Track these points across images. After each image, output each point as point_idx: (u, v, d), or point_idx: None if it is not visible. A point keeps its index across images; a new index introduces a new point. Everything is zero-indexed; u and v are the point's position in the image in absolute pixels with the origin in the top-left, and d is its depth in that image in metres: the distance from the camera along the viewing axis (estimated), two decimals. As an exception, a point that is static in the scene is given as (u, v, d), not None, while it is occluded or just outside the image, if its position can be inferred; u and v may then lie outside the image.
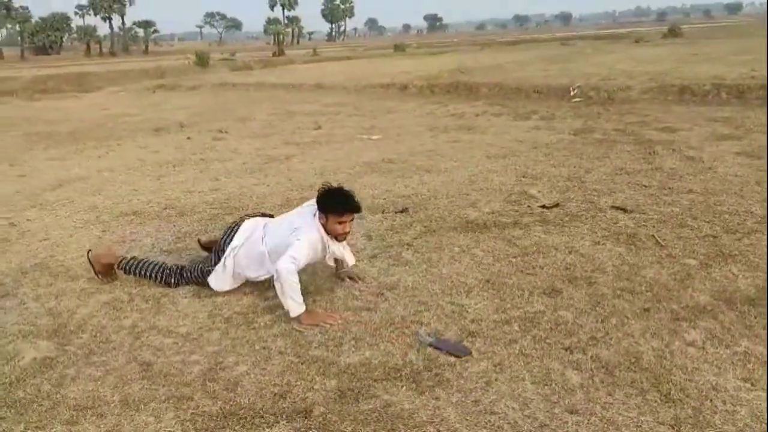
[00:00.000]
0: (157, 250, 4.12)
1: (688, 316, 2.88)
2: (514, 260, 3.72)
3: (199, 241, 3.99)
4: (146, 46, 74.58)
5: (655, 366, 2.50)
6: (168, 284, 3.41)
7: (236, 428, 2.22)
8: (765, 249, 3.61)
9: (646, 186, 5.08)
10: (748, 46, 18.09)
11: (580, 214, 4.50)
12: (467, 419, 2.24)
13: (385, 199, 5.23)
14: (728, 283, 3.21)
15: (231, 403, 2.38)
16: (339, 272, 3.50)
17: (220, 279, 3.33)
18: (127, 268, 3.49)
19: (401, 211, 4.83)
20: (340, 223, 3.12)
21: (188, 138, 8.95)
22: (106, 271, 3.55)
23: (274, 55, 43.58)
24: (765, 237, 3.79)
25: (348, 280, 3.46)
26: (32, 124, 11.34)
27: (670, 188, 4.95)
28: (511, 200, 4.98)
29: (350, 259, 3.43)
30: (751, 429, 2.11)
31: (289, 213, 3.45)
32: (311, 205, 3.24)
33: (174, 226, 4.66)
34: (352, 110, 11.68)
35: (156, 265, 3.47)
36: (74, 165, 7.20)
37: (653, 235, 3.92)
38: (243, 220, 3.42)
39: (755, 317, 2.83)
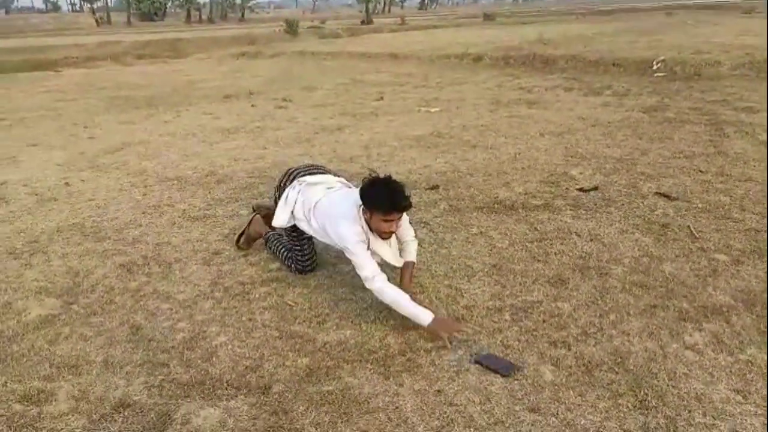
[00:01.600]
0: (186, 217, 4.27)
1: (696, 317, 2.64)
2: (529, 245, 3.55)
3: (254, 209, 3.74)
4: (242, 14, 76.64)
5: (641, 369, 2.32)
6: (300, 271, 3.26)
7: (196, 398, 2.28)
8: (814, 248, 3.24)
9: (702, 171, 4.67)
10: None
11: (618, 199, 4.21)
12: (423, 409, 2.18)
13: (420, 174, 5.13)
14: (756, 283, 2.91)
15: (202, 372, 2.44)
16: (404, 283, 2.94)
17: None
18: (268, 243, 3.48)
19: (432, 188, 4.73)
20: (385, 221, 2.75)
21: (252, 105, 9.16)
22: (253, 238, 3.60)
23: (362, 23, 43.49)
24: (818, 235, 3.39)
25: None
26: (117, 88, 12.01)
27: (727, 175, 4.52)
28: (550, 181, 4.74)
29: (394, 260, 2.95)
30: (726, 449, 1.92)
31: (334, 193, 3.07)
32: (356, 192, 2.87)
33: (209, 193, 4.81)
34: (420, 81, 11.49)
35: (286, 249, 3.32)
36: (140, 129, 7.57)
37: (689, 226, 3.61)
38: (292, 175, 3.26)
39: (773, 323, 2.56)
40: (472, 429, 2.06)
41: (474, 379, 2.32)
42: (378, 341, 2.63)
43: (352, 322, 2.79)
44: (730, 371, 2.27)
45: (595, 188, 4.46)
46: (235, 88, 11.20)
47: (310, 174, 3.27)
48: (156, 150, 6.39)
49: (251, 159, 5.87)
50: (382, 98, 9.51)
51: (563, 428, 2.03)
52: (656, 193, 4.26)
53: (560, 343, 2.52)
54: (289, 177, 3.27)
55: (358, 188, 2.83)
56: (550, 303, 2.86)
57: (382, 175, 2.80)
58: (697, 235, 3.48)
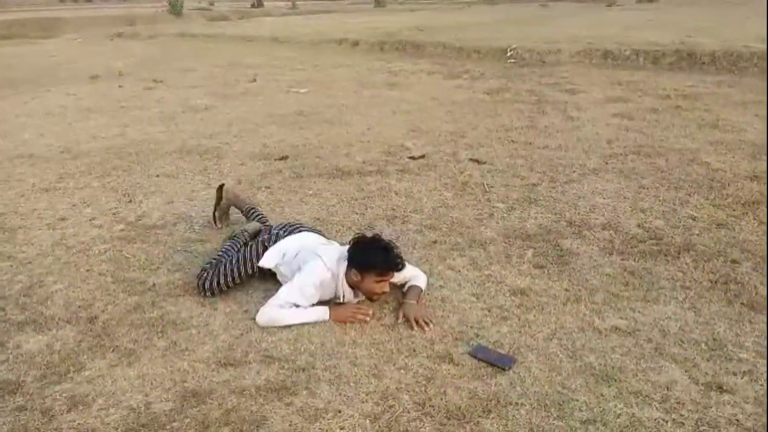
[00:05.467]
0: (34, 190, 4.44)
1: (464, 247, 3.31)
2: (354, 202, 4.10)
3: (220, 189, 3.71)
4: (124, -6, 72.51)
5: (410, 285, 2.91)
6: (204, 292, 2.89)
7: (28, 331, 2.61)
8: (575, 195, 4.03)
9: (513, 141, 5.46)
10: (723, 14, 18.24)
11: (439, 164, 4.88)
12: (228, 324, 2.65)
13: (275, 147, 5.55)
14: (518, 222, 3.63)
15: (36, 313, 2.75)
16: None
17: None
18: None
19: (281, 158, 5.18)
20: (378, 282, 2.61)
21: (120, 86, 9.14)
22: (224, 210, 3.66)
23: (252, 6, 42.69)
24: (580, 185, 4.21)
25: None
26: (-25, 69, 11.40)
27: (530, 144, 5.33)
28: (388, 151, 5.33)
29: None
30: (453, 331, 2.53)
31: (326, 248, 2.90)
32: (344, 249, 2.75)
33: (62, 167, 4.97)
34: (297, 64, 11.84)
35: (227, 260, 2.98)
36: (-4, 110, 7.41)
37: (483, 183, 4.32)
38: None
39: (518, 248, 3.27)
40: (265, 333, 2.56)
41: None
42: (202, 280, 3.05)
43: (183, 268, 3.19)
44: (474, 282, 2.93)
45: (423, 156, 5.10)
46: (105, 69, 11.01)
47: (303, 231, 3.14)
48: (10, 130, 6.35)
49: (109, 137, 6.03)
50: (255, 80, 9.79)
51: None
52: (470, 159, 4.97)
53: (353, 272, 3.07)
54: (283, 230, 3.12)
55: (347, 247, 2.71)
56: (355, 244, 3.41)
57: (369, 235, 2.74)
58: (488, 190, 4.19)
